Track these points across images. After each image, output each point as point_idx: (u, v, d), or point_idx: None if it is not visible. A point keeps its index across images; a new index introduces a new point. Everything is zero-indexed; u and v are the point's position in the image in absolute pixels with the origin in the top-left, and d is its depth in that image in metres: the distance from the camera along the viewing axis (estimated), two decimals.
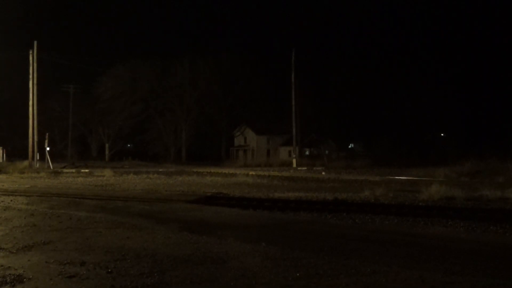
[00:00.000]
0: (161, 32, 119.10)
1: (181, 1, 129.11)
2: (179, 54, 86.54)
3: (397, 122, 59.07)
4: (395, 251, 8.01)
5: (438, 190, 16.79)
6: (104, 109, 70.23)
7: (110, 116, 70.86)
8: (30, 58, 39.73)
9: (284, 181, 27.10)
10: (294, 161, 48.47)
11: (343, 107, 59.45)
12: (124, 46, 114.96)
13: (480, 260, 7.46)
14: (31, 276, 6.26)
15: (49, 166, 37.74)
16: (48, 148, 40.74)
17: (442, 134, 64.87)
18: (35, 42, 39.79)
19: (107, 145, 73.17)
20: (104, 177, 28.27)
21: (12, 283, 5.98)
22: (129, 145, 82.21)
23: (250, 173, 33.50)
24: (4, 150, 48.04)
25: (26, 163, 37.89)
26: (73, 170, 35.76)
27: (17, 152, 54.36)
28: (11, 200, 15.17)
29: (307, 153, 62.96)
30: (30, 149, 39.18)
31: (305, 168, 44.32)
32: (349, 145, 69.22)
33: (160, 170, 38.28)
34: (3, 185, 21.59)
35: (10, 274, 6.35)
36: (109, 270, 6.56)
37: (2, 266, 6.78)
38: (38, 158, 39.70)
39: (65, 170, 35.96)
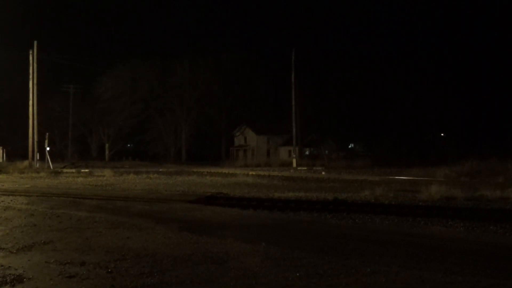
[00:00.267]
0: (161, 32, 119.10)
1: (181, 1, 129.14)
2: (179, 54, 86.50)
3: (397, 122, 59.04)
4: (395, 251, 8.01)
5: (438, 190, 16.80)
6: (104, 109, 70.20)
7: (110, 116, 70.84)
8: (30, 58, 39.72)
9: (284, 181, 27.10)
10: (294, 161, 48.47)
11: (343, 107, 59.41)
12: (124, 46, 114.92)
13: (480, 260, 7.46)
14: (31, 276, 6.26)
15: (49, 166, 37.73)
16: (48, 148, 40.72)
17: (442, 134, 64.84)
18: (35, 42, 39.79)
19: (107, 145, 73.15)
20: (104, 177, 28.27)
21: (12, 283, 5.99)
22: (129, 145, 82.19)
23: (250, 173, 33.50)
24: (4, 150, 47.98)
25: (26, 163, 37.87)
26: (73, 170, 35.75)
27: (17, 152, 54.29)
28: (11, 200, 15.17)
29: (307, 153, 62.92)
30: (30, 149, 39.16)
31: (305, 168, 44.33)
32: (349, 145, 69.16)
33: (160, 170, 38.29)
34: (3, 185, 21.60)
35: (10, 274, 6.35)
36: (109, 270, 6.56)
37: (2, 266, 6.79)
38: (38, 158, 39.68)
39: (65, 170, 35.96)
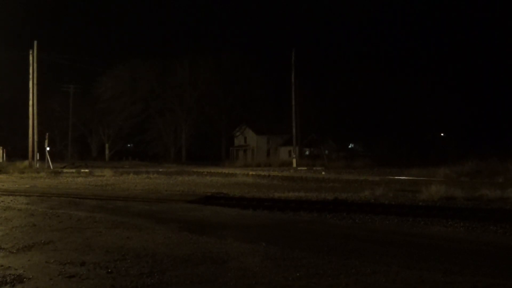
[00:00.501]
0: (161, 32, 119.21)
1: (181, 1, 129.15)
2: (179, 54, 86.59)
3: (397, 122, 59.06)
4: (395, 251, 8.01)
5: (438, 190, 16.80)
6: (104, 109, 70.23)
7: (110, 116, 70.87)
8: (30, 58, 39.71)
9: (284, 181, 27.10)
10: (294, 161, 48.47)
11: (343, 107, 59.42)
12: (124, 46, 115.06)
13: (480, 260, 7.46)
14: (31, 276, 6.26)
15: (49, 166, 37.74)
16: (48, 148, 40.72)
17: (442, 134, 64.85)
18: (35, 42, 39.78)
19: (107, 145, 73.16)
20: (104, 177, 28.27)
21: (12, 283, 5.98)
22: (129, 145, 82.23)
23: (250, 173, 33.51)
24: (4, 150, 47.99)
25: (26, 163, 37.87)
26: (73, 170, 35.75)
27: (17, 152, 54.33)
28: (11, 200, 15.17)
29: (307, 153, 62.94)
30: (30, 149, 39.16)
31: (305, 168, 44.32)
32: (349, 145, 69.20)
33: (160, 170, 38.29)
34: (3, 185, 21.60)
35: (10, 274, 6.35)
36: (109, 270, 6.56)
37: (2, 266, 6.78)
38: (38, 158, 39.68)
39: (65, 170, 35.96)
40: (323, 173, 35.59)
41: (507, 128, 57.69)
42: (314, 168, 44.27)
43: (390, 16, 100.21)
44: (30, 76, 39.66)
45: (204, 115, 71.04)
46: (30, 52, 39.77)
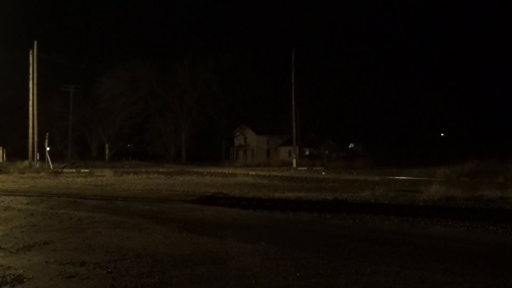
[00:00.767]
0: (161, 32, 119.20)
1: (181, 1, 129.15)
2: (179, 54, 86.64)
3: (397, 122, 59.06)
4: (395, 251, 8.01)
5: (438, 190, 16.79)
6: (104, 109, 70.21)
7: (110, 116, 70.84)
8: (30, 58, 39.70)
9: (284, 181, 27.09)
10: (294, 161, 48.46)
11: (343, 107, 59.42)
12: (124, 46, 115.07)
13: (480, 260, 7.46)
14: (31, 276, 6.26)
15: (49, 166, 37.72)
16: (48, 148, 40.70)
17: (442, 134, 64.84)
18: (35, 42, 39.76)
19: (107, 145, 73.14)
20: (104, 177, 28.26)
21: (12, 283, 5.99)
22: (129, 145, 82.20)
23: (250, 173, 33.50)
24: (4, 150, 48.00)
25: (26, 163, 37.86)
26: (73, 170, 35.75)
27: (17, 152, 54.28)
28: (11, 200, 15.17)
29: (307, 153, 62.95)
30: (30, 149, 39.15)
31: (305, 168, 44.32)
32: (349, 145, 69.21)
33: (160, 170, 38.28)
34: (3, 185, 21.60)
35: (10, 274, 6.35)
36: (109, 270, 6.56)
37: (2, 266, 6.79)
38: (38, 158, 39.67)
39: (65, 170, 35.96)
40: (323, 173, 35.59)
41: (507, 128, 57.71)
42: (314, 168, 44.27)
43: (390, 16, 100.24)
44: (30, 76, 39.65)
45: (204, 115, 71.05)
46: (30, 52, 39.76)
